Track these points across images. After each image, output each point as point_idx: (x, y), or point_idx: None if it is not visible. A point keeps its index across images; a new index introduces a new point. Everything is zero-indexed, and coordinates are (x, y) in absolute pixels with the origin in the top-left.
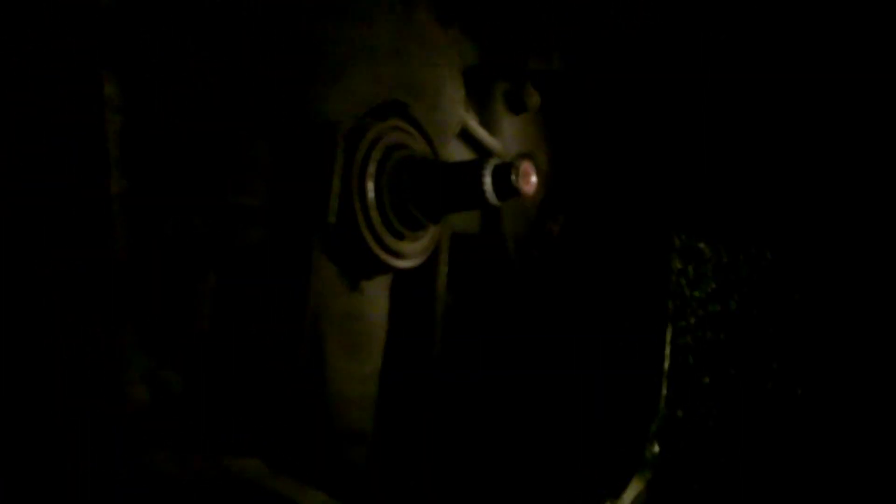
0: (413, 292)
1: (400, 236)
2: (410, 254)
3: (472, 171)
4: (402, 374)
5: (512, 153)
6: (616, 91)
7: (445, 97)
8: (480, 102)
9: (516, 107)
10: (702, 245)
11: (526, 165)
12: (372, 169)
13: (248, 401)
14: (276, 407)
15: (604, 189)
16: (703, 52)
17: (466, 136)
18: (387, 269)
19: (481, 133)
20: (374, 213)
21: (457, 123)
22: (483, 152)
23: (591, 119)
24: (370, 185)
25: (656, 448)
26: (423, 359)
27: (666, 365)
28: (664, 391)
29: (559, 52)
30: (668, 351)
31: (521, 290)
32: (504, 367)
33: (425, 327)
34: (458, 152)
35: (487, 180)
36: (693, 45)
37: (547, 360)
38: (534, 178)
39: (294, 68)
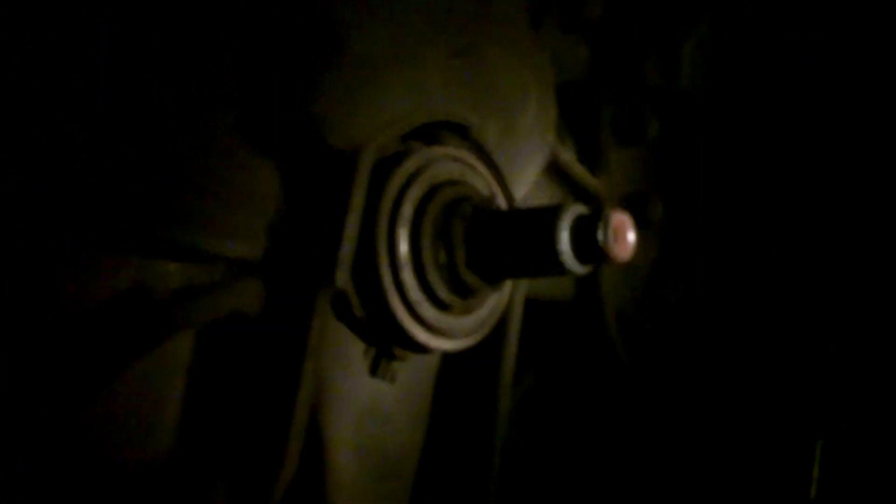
0: (463, 385)
1: (444, 306)
2: (459, 331)
3: (541, 223)
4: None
5: (619, 197)
6: (765, 119)
7: (528, 118)
8: (580, 128)
9: (628, 136)
10: None
11: (620, 218)
12: (407, 212)
13: None
14: None
15: (739, 247)
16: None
17: (558, 173)
18: (426, 351)
19: (578, 169)
20: (406, 274)
21: (543, 154)
22: (579, 195)
23: (728, 155)
24: (402, 234)
25: None
26: (474, 484)
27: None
28: None
29: (691, 64)
30: (816, 474)
31: (625, 384)
32: None
33: (479, 438)
34: (546, 196)
35: (563, 237)
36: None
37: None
38: (631, 237)
39: (306, 67)
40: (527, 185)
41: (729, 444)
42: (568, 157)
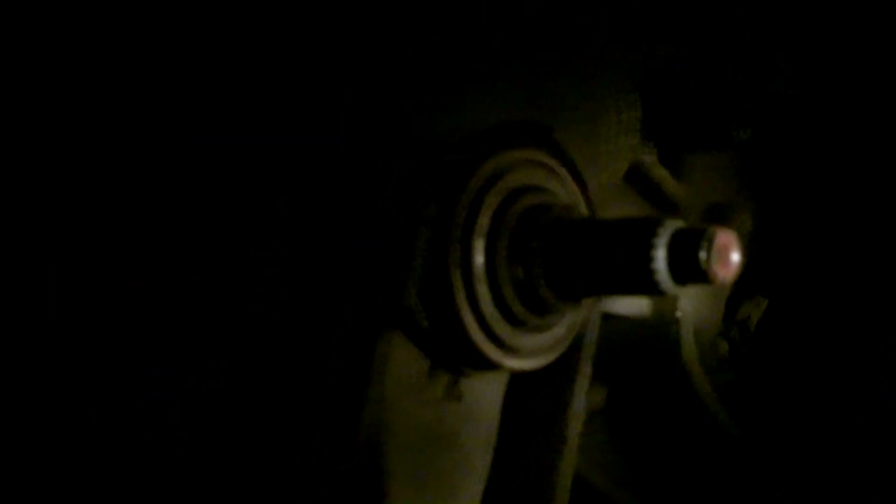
0: (536, 405)
1: (520, 323)
2: (534, 349)
3: (637, 237)
4: None
5: (702, 207)
6: (862, 127)
7: (612, 121)
8: (662, 131)
9: (716, 140)
10: None
11: (725, 237)
12: (484, 222)
13: None
14: None
15: (829, 263)
16: None
17: (638, 179)
18: (494, 368)
19: (661, 174)
20: (481, 289)
21: (625, 159)
22: (660, 204)
23: (821, 165)
24: (478, 246)
25: None
26: None
27: None
28: None
29: (791, 69)
30: None
31: (702, 406)
32: None
33: (547, 467)
34: (621, 203)
35: (660, 255)
36: None
37: None
38: (736, 258)
39: (369, 57)
40: (605, 191)
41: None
42: (651, 161)
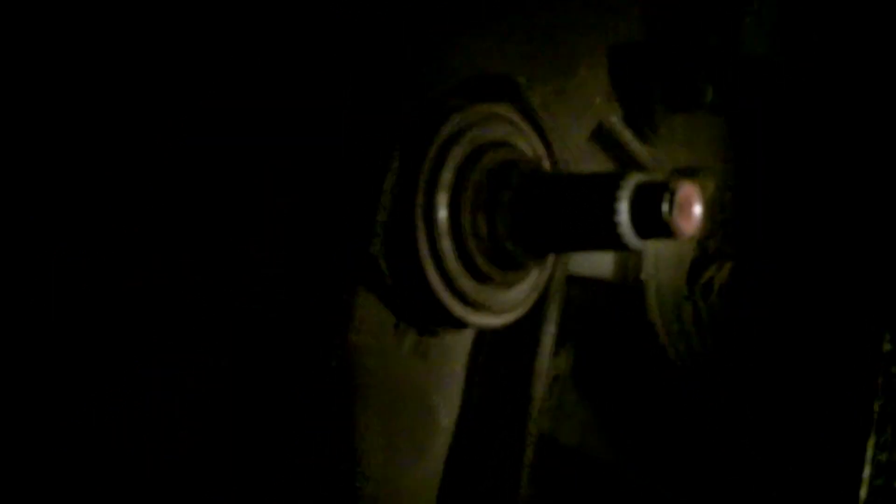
0: (501, 363)
1: (485, 279)
2: (499, 306)
3: (600, 190)
4: (474, 487)
5: (668, 169)
6: (830, 96)
7: (578, 79)
8: (629, 92)
9: (681, 102)
10: None
11: (687, 190)
12: (447, 177)
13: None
14: None
15: (795, 226)
16: None
17: (604, 138)
18: (462, 326)
19: (626, 135)
20: (444, 244)
21: (591, 118)
22: (626, 163)
23: (786, 127)
24: (441, 201)
25: None
26: (509, 468)
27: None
28: None
29: (754, 34)
30: (867, 473)
31: (665, 369)
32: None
33: (515, 418)
34: (587, 162)
35: (623, 208)
36: None
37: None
38: (697, 211)
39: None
40: (571, 151)
41: (773, 441)
42: (616, 121)
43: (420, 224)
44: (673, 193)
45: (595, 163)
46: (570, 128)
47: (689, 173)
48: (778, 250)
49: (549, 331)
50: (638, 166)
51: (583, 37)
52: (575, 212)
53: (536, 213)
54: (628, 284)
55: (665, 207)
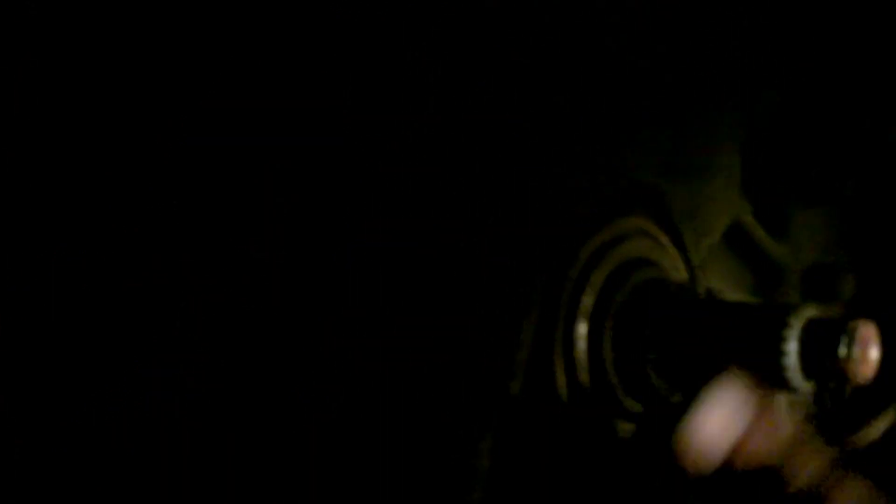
0: None
1: (628, 417)
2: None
3: (764, 325)
4: None
5: (802, 269)
6: None
7: (716, 178)
8: (762, 184)
9: (816, 194)
10: None
11: (866, 330)
12: (587, 302)
13: None
14: None
15: None
16: None
17: (736, 239)
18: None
19: (760, 234)
20: (583, 375)
21: (727, 219)
22: (761, 264)
23: None
24: (581, 330)
25: None
26: None
27: None
28: None
29: None
30: None
31: None
32: None
33: None
34: (719, 265)
35: (792, 348)
36: None
37: None
38: (874, 354)
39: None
40: (703, 254)
41: None
42: (750, 219)
43: (559, 357)
44: (853, 334)
45: (728, 266)
46: (706, 234)
47: (827, 270)
48: None
49: None
50: (773, 267)
51: (720, 129)
52: (734, 347)
53: (686, 345)
54: None
55: (843, 350)
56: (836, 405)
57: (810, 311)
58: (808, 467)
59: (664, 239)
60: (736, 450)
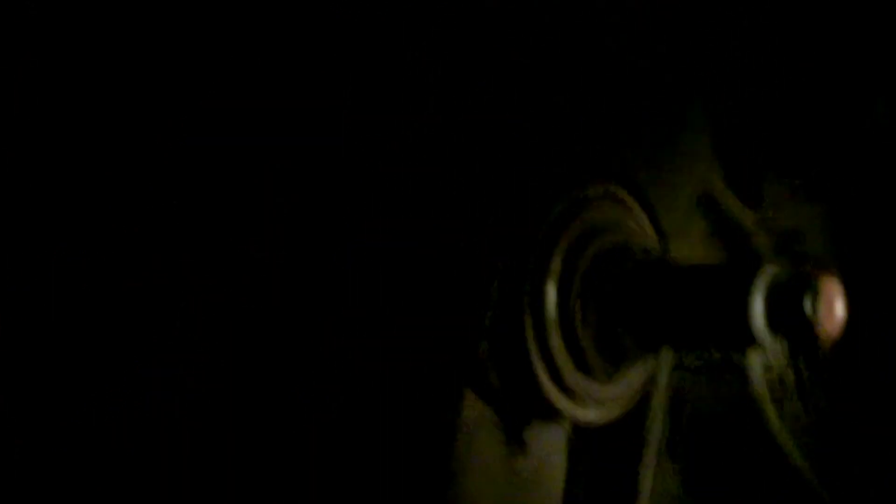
0: (603, 462)
1: (589, 371)
2: (603, 400)
3: (729, 285)
4: None
5: (772, 236)
6: None
7: (687, 147)
8: (733, 152)
9: (788, 164)
10: None
11: (831, 285)
12: (556, 265)
13: None
14: None
15: None
16: None
17: (706, 206)
18: (566, 419)
19: (731, 201)
20: (553, 335)
21: (698, 187)
22: (730, 232)
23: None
24: (550, 291)
25: None
26: None
27: None
28: None
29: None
30: None
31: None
32: None
33: None
34: (689, 233)
35: (758, 305)
36: None
37: None
38: (840, 310)
39: None
40: (674, 221)
41: None
42: (721, 186)
43: (528, 318)
44: (817, 290)
45: (698, 233)
46: (676, 201)
47: (796, 236)
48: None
49: (656, 429)
50: (743, 234)
51: (691, 99)
52: (701, 307)
53: (653, 306)
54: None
55: (808, 306)
56: (811, 370)
57: (775, 269)
58: None
59: (633, 204)
60: None
